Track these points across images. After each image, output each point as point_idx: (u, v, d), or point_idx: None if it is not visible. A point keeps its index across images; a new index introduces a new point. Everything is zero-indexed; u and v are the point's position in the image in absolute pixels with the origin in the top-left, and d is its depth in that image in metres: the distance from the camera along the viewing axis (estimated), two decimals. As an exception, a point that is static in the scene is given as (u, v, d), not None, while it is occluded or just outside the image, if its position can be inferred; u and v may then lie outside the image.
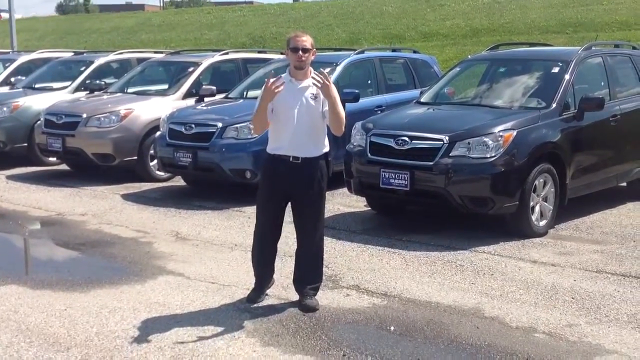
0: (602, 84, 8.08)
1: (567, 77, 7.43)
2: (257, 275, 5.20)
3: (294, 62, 4.87)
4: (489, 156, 6.57)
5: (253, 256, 5.21)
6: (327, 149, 5.06)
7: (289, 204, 5.07)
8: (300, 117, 4.84)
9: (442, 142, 6.70)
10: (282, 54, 12.55)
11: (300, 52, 4.82)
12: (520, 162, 6.65)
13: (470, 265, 6.02)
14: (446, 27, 27.95)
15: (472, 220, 7.27)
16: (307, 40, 4.86)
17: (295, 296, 5.19)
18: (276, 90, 4.72)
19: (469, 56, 9.86)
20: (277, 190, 4.97)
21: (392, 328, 4.70)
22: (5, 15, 37.48)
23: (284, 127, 4.87)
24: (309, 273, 5.10)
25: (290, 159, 4.90)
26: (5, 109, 11.37)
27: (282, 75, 5.00)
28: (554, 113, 7.15)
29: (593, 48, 8.23)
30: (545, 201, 6.95)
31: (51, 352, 4.33)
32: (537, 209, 6.85)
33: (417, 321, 4.80)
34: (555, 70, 7.65)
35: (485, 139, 6.63)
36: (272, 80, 4.73)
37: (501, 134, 6.66)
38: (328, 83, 4.71)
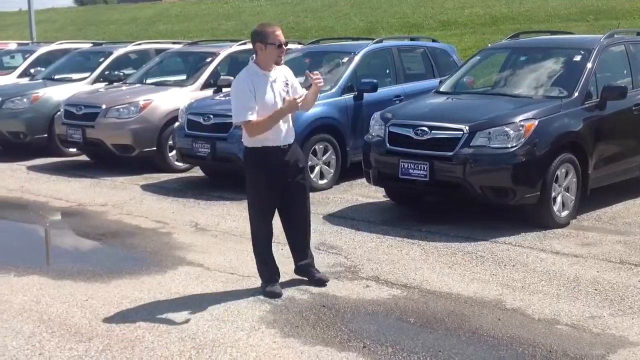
0: (625, 72, 7.96)
1: (589, 65, 7.33)
2: (271, 266, 5.21)
3: (274, 57, 4.97)
4: (509, 146, 6.50)
5: (262, 251, 5.20)
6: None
7: None
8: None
9: (462, 132, 6.64)
10: (299, 43, 12.52)
11: (283, 47, 4.97)
12: (541, 152, 6.57)
13: (491, 256, 5.97)
14: (465, 15, 27.75)
15: (492, 211, 7.21)
16: (282, 34, 5.00)
17: (314, 287, 5.22)
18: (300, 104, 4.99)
19: (489, 45, 9.77)
20: (275, 179, 5.04)
21: (412, 320, 4.68)
22: None
23: None
24: (307, 250, 5.35)
25: (282, 147, 5.02)
26: (25, 100, 11.45)
27: (250, 69, 5.03)
28: (576, 102, 7.06)
29: (615, 36, 8.11)
30: (567, 191, 6.88)
31: (73, 343, 4.36)
32: (558, 199, 6.78)
33: (437, 313, 4.78)
34: (577, 58, 7.54)
35: (506, 129, 6.56)
36: (296, 98, 4.96)
37: (522, 123, 6.58)
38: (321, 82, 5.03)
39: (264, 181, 5.04)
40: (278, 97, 4.96)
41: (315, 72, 5.08)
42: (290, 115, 5.09)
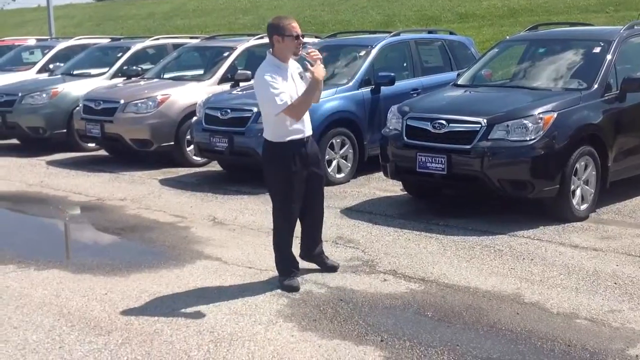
0: (645, 64, 7.86)
1: (608, 57, 7.25)
2: (291, 259, 5.24)
3: (293, 48, 5.01)
4: (528, 139, 6.46)
5: (282, 245, 5.21)
6: None
7: None
8: None
9: (480, 125, 6.60)
10: (316, 37, 12.50)
11: (300, 38, 5.01)
12: (560, 144, 6.52)
13: (509, 250, 5.94)
14: (483, 7, 27.52)
15: (510, 204, 7.17)
16: (298, 26, 5.04)
17: (331, 280, 5.24)
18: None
19: (507, 37, 9.69)
20: (299, 173, 5.06)
21: (430, 313, 4.67)
22: None
23: None
24: (319, 237, 5.44)
25: (305, 139, 5.08)
26: (44, 95, 11.54)
27: (269, 61, 5.04)
28: (595, 94, 6.99)
29: (635, 27, 7.99)
30: (587, 184, 6.82)
31: (92, 336, 4.40)
32: (578, 192, 6.72)
33: (455, 307, 4.76)
34: (597, 50, 7.46)
35: (525, 122, 6.51)
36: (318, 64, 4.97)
37: (541, 116, 6.53)
38: (320, 56, 5.02)
39: (290, 175, 5.05)
40: (297, 88, 5.00)
41: (310, 49, 5.07)
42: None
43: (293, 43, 4.98)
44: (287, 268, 5.21)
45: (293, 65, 5.12)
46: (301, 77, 5.10)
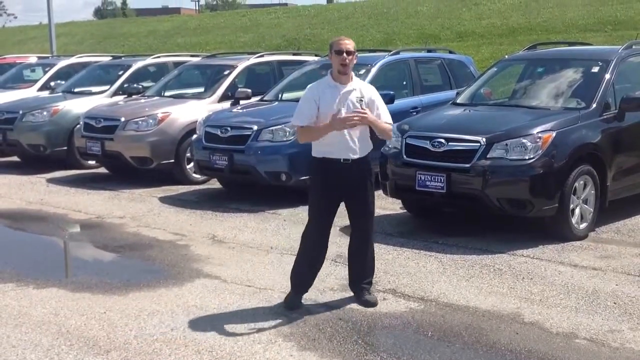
0: (644, 83, 7.89)
1: (607, 76, 7.30)
2: (301, 279, 5.16)
3: (337, 64, 4.95)
4: (527, 158, 6.48)
5: (300, 259, 5.16)
6: (371, 147, 5.14)
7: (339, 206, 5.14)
8: None
9: (479, 144, 6.63)
10: (316, 55, 12.56)
11: (345, 54, 4.91)
12: (559, 163, 6.54)
13: (509, 269, 5.94)
14: (482, 26, 27.66)
15: (510, 223, 7.17)
16: (350, 44, 4.96)
17: (331, 299, 5.22)
18: (350, 124, 4.87)
19: (506, 56, 9.73)
20: (329, 192, 5.03)
21: (429, 333, 4.65)
22: None
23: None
24: (366, 268, 5.22)
25: (342, 161, 4.97)
26: (45, 113, 11.57)
27: (324, 79, 5.07)
28: (594, 113, 7.02)
29: (634, 47, 8.05)
30: (586, 203, 6.83)
31: (91, 355, 4.38)
32: (577, 211, 6.73)
33: (455, 326, 4.75)
34: (595, 69, 7.51)
35: (524, 141, 6.54)
36: (351, 115, 4.86)
37: (540, 135, 6.56)
38: (363, 115, 4.86)
39: (318, 193, 5.05)
40: (345, 109, 4.90)
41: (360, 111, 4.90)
42: (359, 130, 4.95)
43: (336, 59, 4.93)
44: (296, 283, 5.16)
45: (355, 87, 4.98)
46: (360, 101, 4.93)
